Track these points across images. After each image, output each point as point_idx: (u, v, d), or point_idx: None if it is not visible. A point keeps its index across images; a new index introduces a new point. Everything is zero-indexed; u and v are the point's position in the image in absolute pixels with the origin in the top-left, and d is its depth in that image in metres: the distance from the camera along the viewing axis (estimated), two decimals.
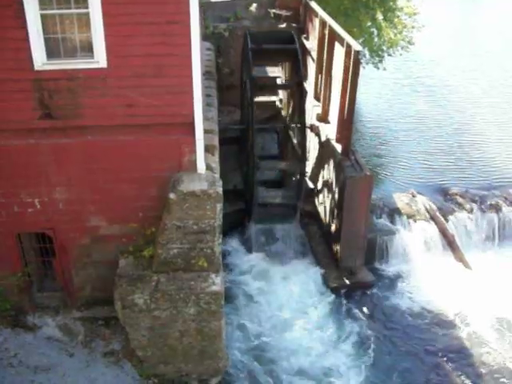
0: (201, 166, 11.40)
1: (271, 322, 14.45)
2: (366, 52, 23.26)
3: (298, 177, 16.74)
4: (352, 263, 15.90)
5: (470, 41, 38.30)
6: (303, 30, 20.63)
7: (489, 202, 18.16)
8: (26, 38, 9.73)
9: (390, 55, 24.11)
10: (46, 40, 9.88)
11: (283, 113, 19.10)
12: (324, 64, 16.94)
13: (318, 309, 14.93)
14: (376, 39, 23.06)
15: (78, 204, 11.58)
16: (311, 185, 18.19)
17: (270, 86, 19.04)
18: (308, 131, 17.50)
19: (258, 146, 17.17)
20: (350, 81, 14.39)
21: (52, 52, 10.01)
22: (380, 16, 22.10)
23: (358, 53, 13.95)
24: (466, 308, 15.08)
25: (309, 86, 18.81)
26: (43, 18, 9.68)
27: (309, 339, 14.01)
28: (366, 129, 24.37)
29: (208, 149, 11.93)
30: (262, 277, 15.92)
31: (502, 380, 13.10)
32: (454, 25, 43.08)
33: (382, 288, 15.91)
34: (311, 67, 18.91)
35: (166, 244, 11.20)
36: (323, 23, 16.97)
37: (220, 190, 11.12)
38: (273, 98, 19.89)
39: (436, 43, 35.60)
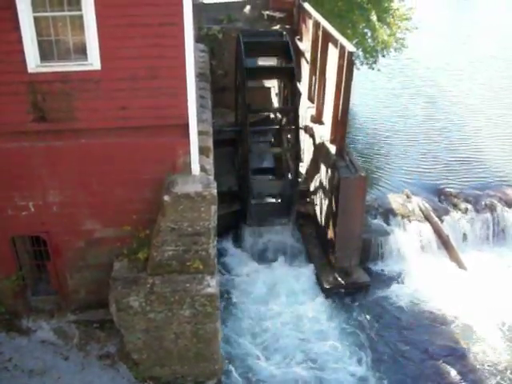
0: (195, 168, 11.39)
1: (264, 324, 14.42)
2: (360, 53, 23.30)
3: (293, 176, 16.75)
4: (347, 264, 15.90)
5: (471, 46, 36.97)
6: (297, 32, 20.63)
7: (483, 202, 18.20)
8: (19, 41, 9.71)
9: (383, 56, 24.17)
10: (40, 42, 9.86)
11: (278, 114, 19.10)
12: (318, 65, 16.96)
13: (312, 309, 14.91)
14: (370, 40, 23.11)
15: (72, 207, 11.55)
16: (306, 186, 18.18)
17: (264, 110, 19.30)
18: (302, 132, 17.53)
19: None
20: (343, 82, 14.40)
21: (46, 54, 10.00)
22: (374, 17, 22.15)
23: (351, 54, 13.98)
24: (461, 308, 15.08)
25: (303, 87, 18.82)
26: (37, 20, 9.67)
27: (303, 340, 14.00)
28: (361, 131, 24.38)
29: (202, 151, 11.91)
30: (256, 278, 15.91)
31: (498, 379, 13.13)
32: (454, 29, 42.32)
33: (378, 288, 15.92)
34: (305, 68, 18.93)
35: (161, 246, 11.18)
36: (317, 25, 16.99)
37: (214, 191, 11.10)
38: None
39: (436, 48, 35.03)
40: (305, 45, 19.25)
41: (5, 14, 9.49)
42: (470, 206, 18.06)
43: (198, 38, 19.68)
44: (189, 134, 10.93)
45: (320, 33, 16.60)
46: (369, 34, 23.09)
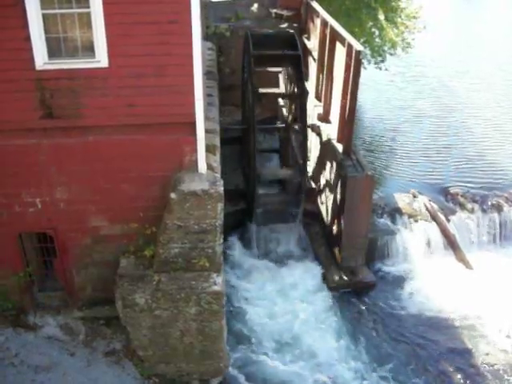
0: (202, 166, 11.37)
1: (268, 324, 14.40)
2: (368, 52, 23.25)
3: (299, 180, 16.70)
4: (353, 263, 15.89)
5: (488, 50, 35.19)
6: (304, 30, 20.63)
7: (490, 202, 18.15)
8: (27, 38, 9.72)
9: (391, 55, 24.10)
10: (48, 40, 9.86)
11: (284, 111, 19.06)
12: (325, 64, 16.95)
13: (318, 309, 14.90)
14: (377, 39, 23.06)
15: (79, 204, 11.57)
16: (312, 184, 18.18)
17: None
18: (309, 131, 17.51)
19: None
20: (351, 81, 14.38)
21: (53, 52, 9.99)
22: (382, 16, 22.11)
23: (359, 53, 13.97)
24: (467, 308, 15.06)
25: (310, 85, 18.80)
26: (45, 17, 9.67)
27: (308, 339, 13.99)
28: (368, 129, 24.29)
29: (209, 148, 11.91)
30: (263, 276, 15.91)
31: (504, 380, 13.10)
32: (467, 30, 41.19)
33: (383, 288, 15.91)
34: (312, 67, 18.92)
35: (167, 244, 11.19)
36: (324, 23, 16.98)
37: (221, 189, 11.10)
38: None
39: (451, 53, 34.01)
40: (312, 43, 19.26)
41: (13, 12, 9.51)
42: (476, 206, 18.01)
43: (206, 36, 19.71)
44: (196, 131, 10.90)
45: (327, 31, 16.59)
46: (376, 33, 23.04)
